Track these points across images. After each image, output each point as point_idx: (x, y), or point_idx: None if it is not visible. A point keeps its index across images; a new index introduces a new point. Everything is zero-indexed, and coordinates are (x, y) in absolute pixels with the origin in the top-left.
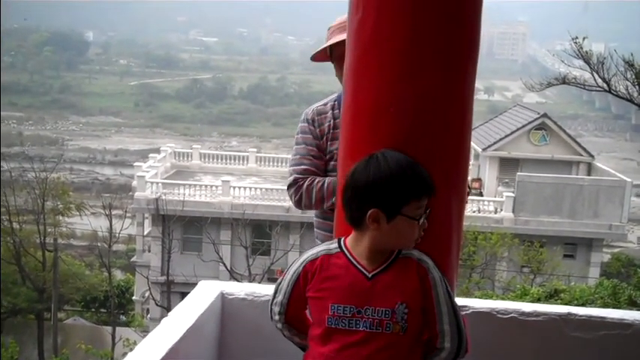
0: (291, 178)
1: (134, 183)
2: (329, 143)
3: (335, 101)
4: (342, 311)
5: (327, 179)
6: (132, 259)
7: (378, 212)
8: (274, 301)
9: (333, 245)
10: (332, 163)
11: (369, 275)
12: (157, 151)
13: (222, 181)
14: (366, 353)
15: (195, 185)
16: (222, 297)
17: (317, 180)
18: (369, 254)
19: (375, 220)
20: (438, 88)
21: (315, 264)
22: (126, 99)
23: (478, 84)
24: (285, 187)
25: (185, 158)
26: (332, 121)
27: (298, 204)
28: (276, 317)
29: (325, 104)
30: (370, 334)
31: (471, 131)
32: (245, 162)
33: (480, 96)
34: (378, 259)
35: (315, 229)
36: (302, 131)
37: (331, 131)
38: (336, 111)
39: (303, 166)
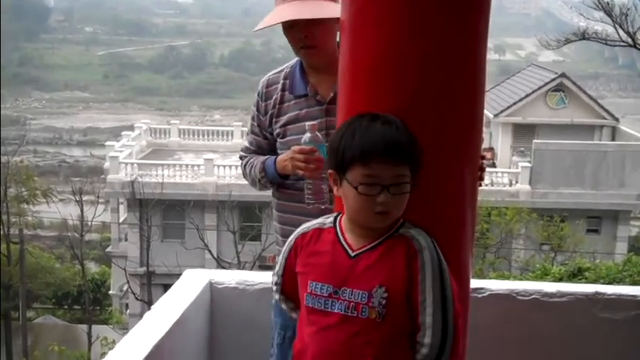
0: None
1: (106, 165)
2: (274, 121)
3: (291, 67)
4: (320, 289)
5: (257, 159)
6: (107, 250)
7: (332, 173)
8: (274, 272)
9: (329, 219)
10: (279, 140)
11: (352, 253)
12: (131, 128)
13: (205, 159)
14: (343, 339)
15: (174, 165)
16: (211, 286)
17: (251, 159)
18: (355, 229)
19: (334, 182)
20: (446, 47)
21: (305, 238)
22: (94, 71)
23: (489, 42)
24: None
25: (162, 135)
26: (279, 93)
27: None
28: (274, 288)
29: (280, 72)
30: (345, 317)
31: (484, 95)
32: (230, 137)
33: (490, 55)
34: (369, 236)
35: (273, 211)
36: (254, 103)
37: (277, 106)
38: (287, 81)
39: (245, 144)
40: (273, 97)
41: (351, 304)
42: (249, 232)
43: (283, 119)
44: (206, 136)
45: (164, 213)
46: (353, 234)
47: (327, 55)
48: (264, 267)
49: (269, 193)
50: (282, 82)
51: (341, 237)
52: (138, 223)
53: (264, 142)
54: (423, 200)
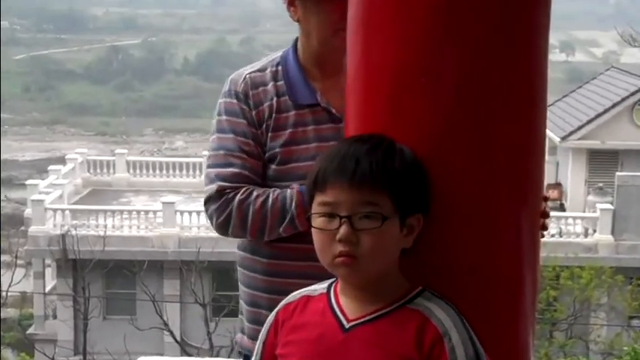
0: (213, 186)
1: (27, 212)
2: (269, 135)
3: (278, 66)
4: None
5: (273, 191)
6: (28, 332)
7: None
8: None
9: (324, 284)
10: (273, 167)
11: (347, 325)
12: (61, 160)
13: (164, 203)
14: None
15: (121, 212)
16: None
17: (256, 193)
18: (349, 290)
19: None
20: (493, 46)
21: (288, 309)
22: (10, 82)
23: (552, 38)
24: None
25: (105, 170)
26: (274, 99)
27: (223, 228)
28: None
29: (262, 70)
30: None
31: (545, 110)
32: (197, 172)
33: (554, 55)
34: (369, 300)
35: (238, 269)
36: (227, 111)
37: (273, 116)
38: (280, 83)
39: (231, 169)
40: (266, 104)
41: None
42: (227, 304)
43: (284, 137)
44: (165, 171)
45: (107, 279)
46: (348, 298)
47: None
48: None
49: None
50: (272, 83)
51: (334, 303)
52: (71, 293)
53: (257, 165)
54: (457, 258)
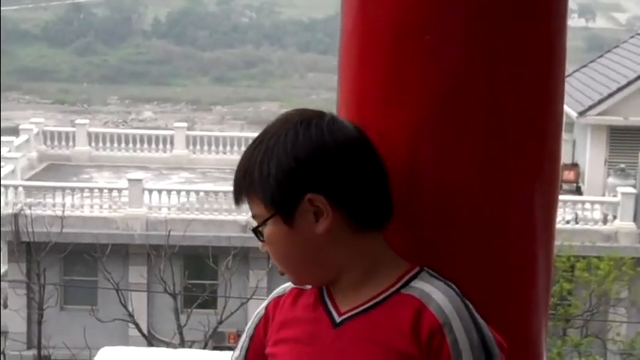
0: None
1: None
2: None
3: None
4: None
5: None
6: None
7: None
8: (233, 354)
9: None
10: None
11: (338, 319)
12: (15, 131)
13: (130, 180)
14: None
15: (82, 189)
16: None
17: None
18: (339, 282)
19: None
20: (506, 8)
21: (278, 303)
22: None
23: (570, 1)
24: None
25: (63, 142)
26: None
27: None
28: None
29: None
30: None
31: (563, 79)
32: (168, 146)
33: (572, 21)
34: (359, 290)
35: None
36: None
37: None
38: None
39: None
40: None
41: None
42: (199, 293)
43: None
44: (131, 144)
45: (65, 264)
46: (339, 290)
47: None
48: (221, 348)
49: (229, 232)
50: None
51: (326, 296)
52: (24, 280)
53: None
54: (461, 237)
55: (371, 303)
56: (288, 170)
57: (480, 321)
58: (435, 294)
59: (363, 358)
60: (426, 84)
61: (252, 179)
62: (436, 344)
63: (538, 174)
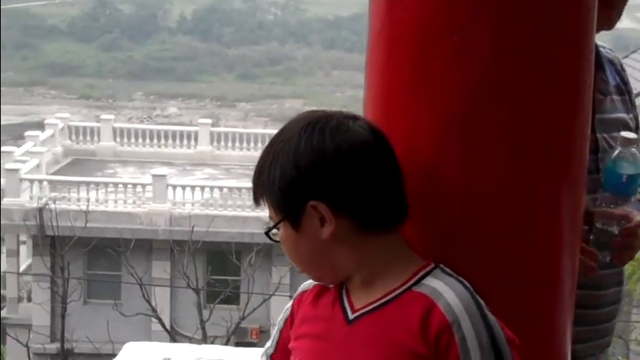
0: None
1: (1, 182)
2: None
3: None
4: None
5: None
6: None
7: None
8: (264, 352)
9: None
10: None
11: (351, 316)
12: (40, 126)
13: (154, 176)
14: None
15: (106, 184)
16: None
17: None
18: (357, 280)
19: None
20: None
21: (302, 298)
22: None
23: None
24: None
25: (88, 138)
26: None
27: None
28: None
29: None
30: None
31: (591, 79)
32: (193, 142)
33: None
34: (374, 288)
35: None
36: None
37: None
38: None
39: None
40: None
41: None
42: (222, 289)
43: None
44: (156, 140)
45: (89, 259)
46: (353, 288)
47: None
48: (243, 344)
49: (252, 229)
50: None
51: (343, 294)
52: (48, 273)
53: None
54: (486, 237)
55: (383, 300)
56: (290, 180)
57: (491, 319)
58: (446, 292)
59: (373, 355)
60: (453, 85)
61: (263, 184)
62: (444, 343)
63: (565, 175)
